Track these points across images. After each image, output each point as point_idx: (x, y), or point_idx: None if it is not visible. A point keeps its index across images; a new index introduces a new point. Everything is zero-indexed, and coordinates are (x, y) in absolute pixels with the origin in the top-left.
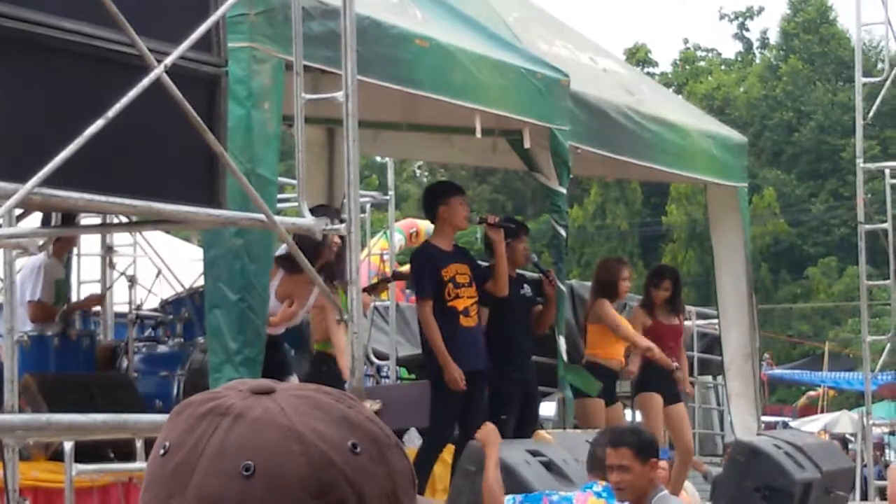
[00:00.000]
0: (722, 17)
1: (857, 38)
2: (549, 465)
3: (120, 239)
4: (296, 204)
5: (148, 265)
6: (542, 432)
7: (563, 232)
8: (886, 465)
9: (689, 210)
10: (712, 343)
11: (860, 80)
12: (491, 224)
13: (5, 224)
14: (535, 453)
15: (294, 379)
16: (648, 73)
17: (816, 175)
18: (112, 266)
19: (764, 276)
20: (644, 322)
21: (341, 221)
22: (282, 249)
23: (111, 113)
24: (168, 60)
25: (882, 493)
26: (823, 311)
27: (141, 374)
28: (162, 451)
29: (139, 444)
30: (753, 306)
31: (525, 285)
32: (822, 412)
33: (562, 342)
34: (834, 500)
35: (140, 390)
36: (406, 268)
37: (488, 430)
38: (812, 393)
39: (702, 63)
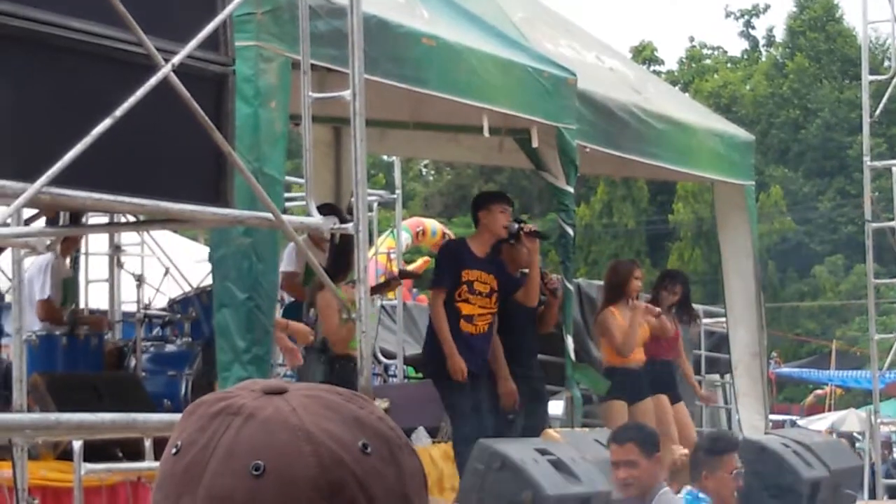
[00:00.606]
0: (728, 15)
1: (863, 36)
2: (558, 464)
3: (127, 238)
4: (303, 203)
5: (155, 264)
6: (550, 431)
7: (570, 231)
8: (894, 464)
9: (696, 208)
10: (720, 341)
11: (867, 77)
12: (527, 233)
13: (13, 223)
14: (543, 452)
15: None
16: (654, 72)
17: (823, 173)
18: (120, 265)
19: (771, 275)
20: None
21: (346, 221)
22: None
23: (119, 112)
24: (175, 59)
25: (891, 491)
26: (831, 309)
27: (149, 374)
28: (174, 450)
29: (147, 443)
30: (761, 304)
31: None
32: (829, 411)
33: (569, 341)
34: (842, 498)
35: (148, 389)
36: (412, 266)
37: None
38: (819, 391)
39: (708, 61)
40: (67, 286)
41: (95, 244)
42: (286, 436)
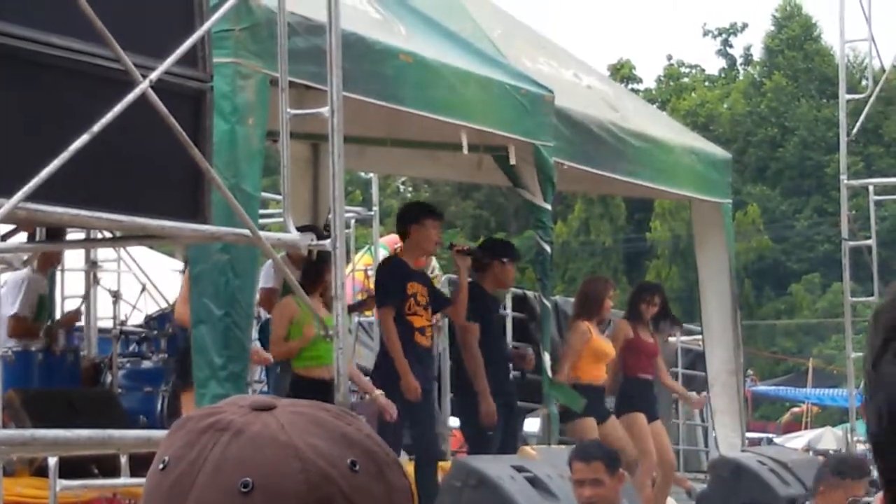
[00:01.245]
0: (706, 34)
1: (840, 55)
2: (534, 481)
3: (104, 254)
4: (280, 219)
5: (132, 281)
6: (526, 448)
7: (547, 248)
8: (871, 483)
9: (673, 226)
10: (696, 359)
11: (844, 96)
12: (459, 251)
13: None
14: (519, 469)
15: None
16: (632, 90)
17: (800, 191)
18: (96, 281)
19: (748, 293)
20: (627, 335)
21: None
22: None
23: (96, 128)
24: (153, 75)
25: None
26: (807, 327)
27: (125, 390)
28: (161, 466)
29: (123, 459)
30: (738, 322)
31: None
32: (805, 428)
33: (546, 358)
34: None
35: (124, 406)
36: None
37: None
38: (796, 409)
39: (686, 79)
40: (43, 302)
41: (72, 260)
42: (275, 452)
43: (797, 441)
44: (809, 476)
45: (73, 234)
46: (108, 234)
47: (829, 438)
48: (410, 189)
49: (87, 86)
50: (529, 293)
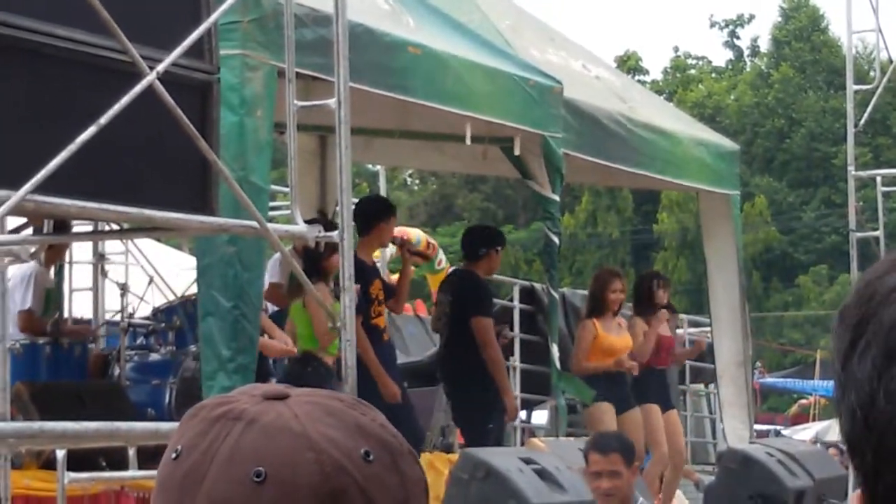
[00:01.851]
0: (713, 25)
1: (847, 46)
2: (542, 473)
3: (111, 247)
4: (288, 212)
5: (140, 273)
6: (534, 440)
7: (556, 239)
8: None
9: (681, 218)
10: (705, 351)
11: (851, 87)
12: (408, 250)
13: None
14: (528, 461)
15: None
16: (639, 81)
17: (808, 183)
18: (104, 274)
19: (755, 284)
20: (643, 329)
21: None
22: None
23: (103, 120)
24: (160, 67)
25: None
26: (815, 319)
27: (133, 383)
28: (174, 455)
29: (131, 452)
30: (746, 314)
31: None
32: (814, 420)
33: (555, 350)
34: None
35: (132, 398)
36: (395, 277)
37: None
38: (804, 401)
39: (692, 71)
40: (50, 296)
41: (79, 253)
42: (288, 442)
43: (805, 433)
44: (817, 468)
45: (81, 227)
46: (115, 227)
47: (837, 430)
48: (418, 181)
49: (93, 77)
50: (537, 285)
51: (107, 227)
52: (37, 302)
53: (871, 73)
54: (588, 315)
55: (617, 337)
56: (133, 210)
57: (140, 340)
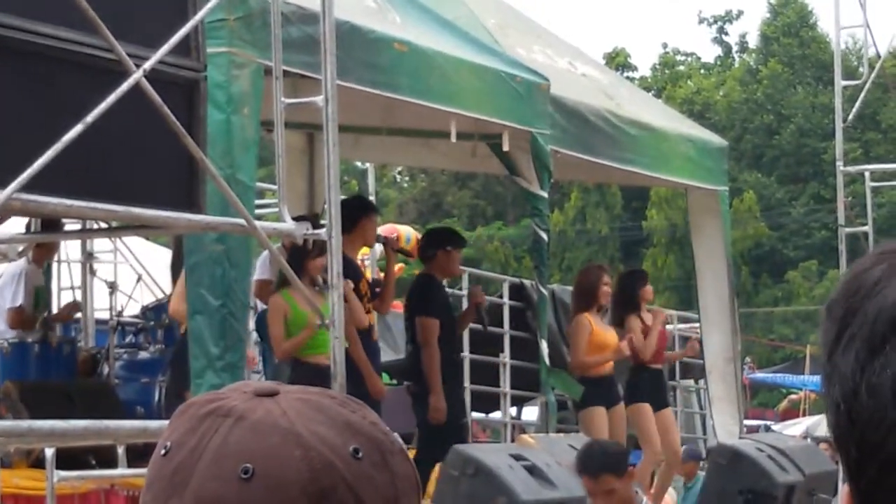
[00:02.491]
0: (701, 21)
1: (835, 41)
2: (532, 469)
3: (100, 245)
4: (276, 210)
5: (128, 271)
6: (525, 436)
7: (544, 236)
8: None
9: (670, 214)
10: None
11: (839, 82)
12: (392, 247)
13: None
14: (518, 457)
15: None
16: (628, 78)
17: (797, 178)
18: (92, 272)
19: (745, 280)
20: (637, 327)
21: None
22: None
23: (90, 118)
24: (147, 65)
25: None
26: (805, 314)
27: (122, 381)
28: (163, 451)
29: (120, 450)
30: (735, 310)
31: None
32: (804, 415)
33: (544, 346)
34: (817, 502)
35: (121, 397)
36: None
37: None
38: (794, 396)
39: (681, 67)
40: (39, 294)
41: (68, 251)
42: (276, 439)
43: (795, 428)
44: (807, 463)
45: (69, 225)
46: (103, 225)
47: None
48: (407, 179)
49: (80, 75)
50: (526, 281)
51: (95, 226)
52: (27, 299)
53: (860, 69)
54: (580, 310)
55: (607, 332)
56: (120, 208)
57: (129, 339)
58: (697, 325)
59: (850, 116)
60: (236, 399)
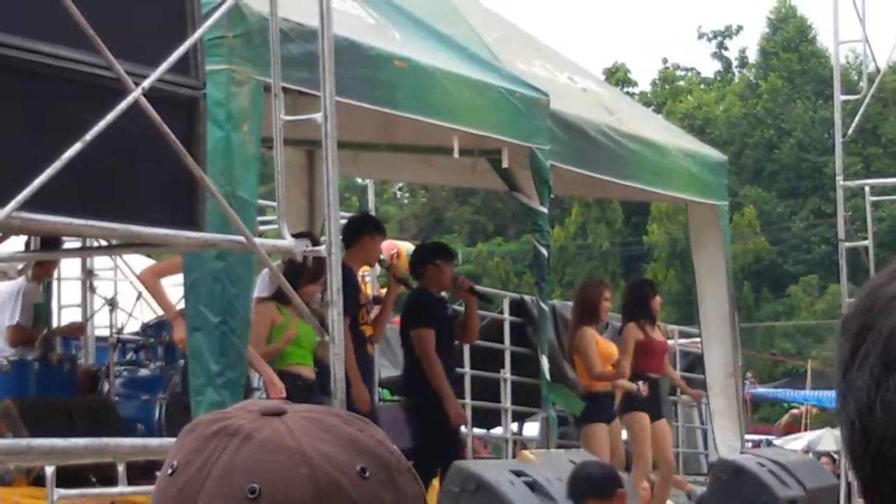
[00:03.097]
0: (701, 37)
1: (834, 56)
2: (533, 486)
3: (100, 263)
4: (276, 226)
5: (128, 289)
6: (525, 452)
7: (544, 251)
8: None
9: (670, 229)
10: (695, 362)
11: (839, 97)
12: (394, 275)
13: None
14: (518, 473)
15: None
16: (628, 93)
17: (797, 193)
18: (93, 290)
19: (745, 295)
20: (637, 337)
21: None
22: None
23: (89, 136)
24: (146, 83)
25: None
26: (806, 328)
27: (122, 398)
28: (170, 471)
29: (121, 468)
30: (736, 324)
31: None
32: (805, 430)
33: (545, 361)
34: None
35: (121, 414)
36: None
37: None
38: (795, 411)
39: (681, 82)
40: (39, 311)
41: (68, 269)
42: (283, 458)
43: (797, 443)
44: (809, 478)
45: (69, 243)
46: (103, 243)
47: (828, 440)
48: (408, 195)
49: (79, 94)
50: (527, 297)
51: (95, 243)
52: (25, 317)
53: (860, 84)
54: (582, 323)
55: (609, 345)
56: (120, 226)
57: (129, 356)
58: (698, 339)
59: (850, 131)
60: (243, 418)
